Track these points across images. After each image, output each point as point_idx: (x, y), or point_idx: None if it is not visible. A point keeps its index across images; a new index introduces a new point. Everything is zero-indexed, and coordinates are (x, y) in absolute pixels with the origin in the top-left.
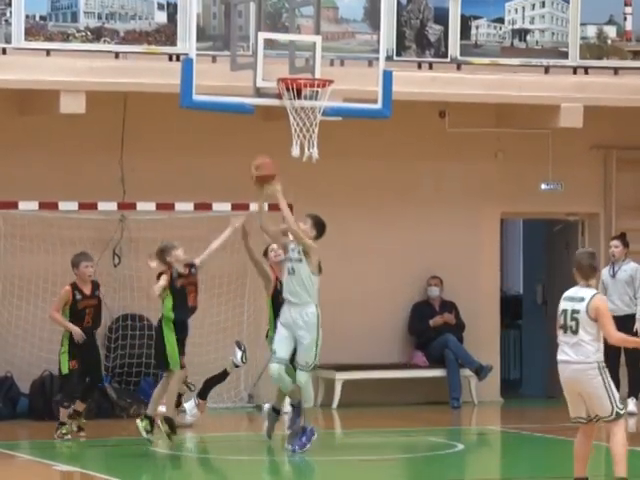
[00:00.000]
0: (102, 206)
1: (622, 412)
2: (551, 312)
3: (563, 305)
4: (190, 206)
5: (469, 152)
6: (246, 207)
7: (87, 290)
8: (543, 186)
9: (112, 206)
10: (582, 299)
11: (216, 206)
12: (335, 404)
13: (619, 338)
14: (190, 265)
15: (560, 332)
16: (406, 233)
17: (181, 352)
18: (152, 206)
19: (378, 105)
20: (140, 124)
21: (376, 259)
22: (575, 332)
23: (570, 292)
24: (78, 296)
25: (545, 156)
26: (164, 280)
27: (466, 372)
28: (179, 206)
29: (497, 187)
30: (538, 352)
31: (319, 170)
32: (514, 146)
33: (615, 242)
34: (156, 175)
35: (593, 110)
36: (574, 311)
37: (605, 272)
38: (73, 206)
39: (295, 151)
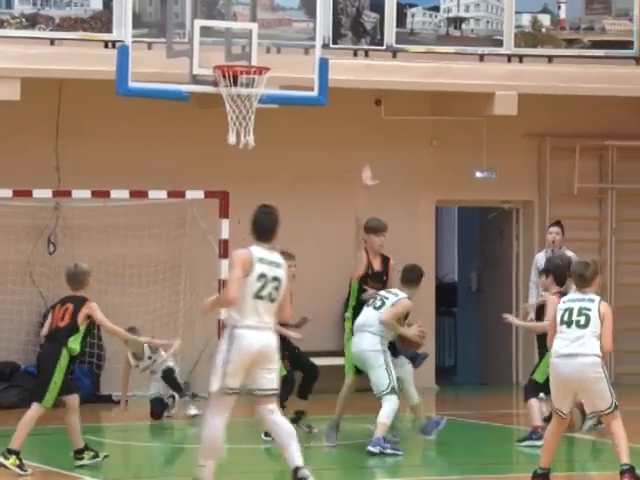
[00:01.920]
0: (37, 193)
1: (617, 403)
2: (485, 300)
3: (567, 305)
4: (126, 194)
5: (405, 140)
6: (182, 195)
7: None
8: (478, 174)
9: (47, 193)
10: (592, 300)
11: (152, 194)
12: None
13: (611, 349)
14: None
15: (562, 327)
16: (343, 220)
17: None
18: (87, 194)
19: (314, 93)
20: (76, 111)
21: (312, 247)
22: (584, 326)
23: (573, 295)
24: None
25: (480, 144)
26: None
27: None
28: (114, 194)
29: (432, 174)
30: (473, 339)
31: (255, 157)
32: (449, 134)
33: (555, 229)
34: (91, 162)
35: (527, 98)
36: (583, 308)
37: (541, 259)
38: (7, 193)
39: (231, 138)
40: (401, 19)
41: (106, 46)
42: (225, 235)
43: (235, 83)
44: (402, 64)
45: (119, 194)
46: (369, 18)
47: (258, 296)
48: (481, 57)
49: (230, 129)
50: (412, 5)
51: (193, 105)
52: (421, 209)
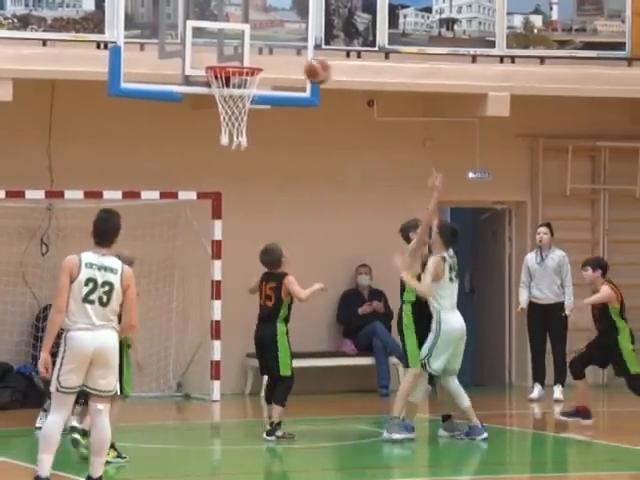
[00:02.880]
0: (29, 194)
1: None
2: (478, 300)
3: None
4: (118, 194)
5: (397, 140)
6: (175, 195)
7: None
8: (470, 174)
9: (40, 194)
10: None
11: (144, 194)
12: (264, 392)
13: None
14: None
15: None
16: (335, 221)
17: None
18: (80, 194)
19: (307, 94)
20: (68, 112)
21: (305, 247)
22: None
23: None
24: None
25: (472, 144)
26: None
27: (394, 360)
28: (107, 194)
29: (425, 175)
30: (466, 340)
31: (248, 158)
32: (442, 134)
33: (543, 229)
34: (84, 163)
35: (519, 99)
36: None
37: (531, 259)
38: (0, 194)
39: (224, 139)
40: (393, 20)
41: (98, 47)
42: (218, 236)
43: (227, 84)
44: (394, 65)
45: (112, 195)
46: (361, 19)
47: (87, 300)
48: (473, 58)
49: (223, 130)
50: (404, 6)
51: (186, 106)
52: (414, 210)
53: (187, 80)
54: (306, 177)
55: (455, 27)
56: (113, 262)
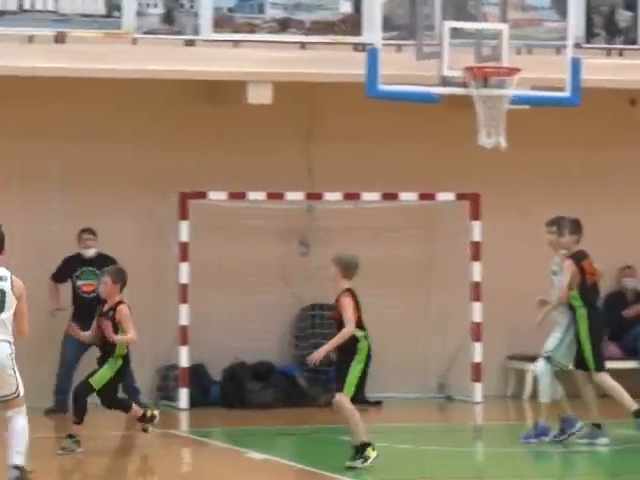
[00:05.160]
0: (289, 196)
1: None
2: None
3: None
4: (377, 196)
5: None
6: (433, 197)
7: None
8: None
9: (299, 196)
10: None
11: (403, 196)
12: (526, 395)
13: None
14: None
15: None
16: (600, 223)
17: None
18: (339, 196)
19: (566, 93)
20: (327, 114)
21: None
22: None
23: None
24: None
25: None
26: None
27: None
28: (365, 196)
29: None
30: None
31: (506, 158)
32: None
33: None
34: (343, 164)
35: None
36: None
37: None
38: (261, 196)
39: (482, 139)
40: None
41: (356, 49)
42: (477, 237)
43: (485, 84)
44: None
45: (370, 196)
46: (623, 16)
47: None
48: None
49: (481, 130)
50: None
51: (443, 106)
52: None
53: (444, 81)
54: (567, 177)
55: None
56: (2, 271)
